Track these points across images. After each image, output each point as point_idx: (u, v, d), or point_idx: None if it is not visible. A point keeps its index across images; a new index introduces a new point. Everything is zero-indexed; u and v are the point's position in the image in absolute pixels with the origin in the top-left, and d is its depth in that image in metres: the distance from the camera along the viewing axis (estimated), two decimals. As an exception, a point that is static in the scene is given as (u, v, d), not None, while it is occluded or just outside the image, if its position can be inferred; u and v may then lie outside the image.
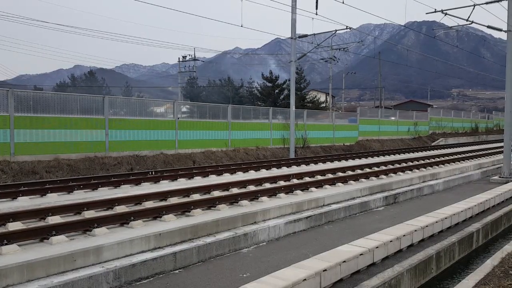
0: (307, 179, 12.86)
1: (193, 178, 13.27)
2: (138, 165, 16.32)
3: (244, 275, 6.14)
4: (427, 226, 8.13)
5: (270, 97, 41.63)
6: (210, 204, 8.76)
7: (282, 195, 10.22)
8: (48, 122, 14.93)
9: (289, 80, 25.76)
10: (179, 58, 55.89)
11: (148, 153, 17.67)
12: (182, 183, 12.14)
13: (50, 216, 7.48)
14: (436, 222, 8.47)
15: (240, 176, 13.99)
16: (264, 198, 9.68)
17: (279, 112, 26.18)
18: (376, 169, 15.76)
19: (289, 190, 10.69)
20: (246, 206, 8.92)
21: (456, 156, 21.36)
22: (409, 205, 11.74)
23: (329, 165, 17.59)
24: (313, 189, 11.20)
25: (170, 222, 7.46)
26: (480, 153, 24.43)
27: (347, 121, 32.05)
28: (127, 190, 10.81)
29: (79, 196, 10.01)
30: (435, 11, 18.63)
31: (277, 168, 16.46)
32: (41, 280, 5.24)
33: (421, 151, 26.99)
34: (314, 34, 25.60)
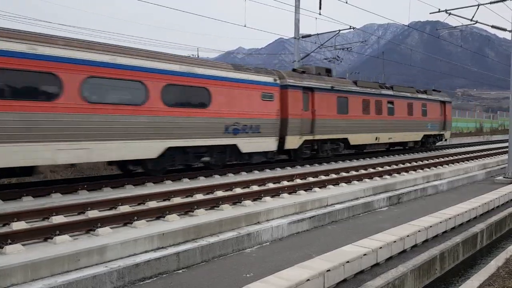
0: (311, 179, 12.84)
1: (196, 178, 13.27)
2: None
3: (248, 275, 6.13)
4: (431, 226, 8.10)
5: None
6: (213, 204, 8.77)
7: (285, 195, 10.21)
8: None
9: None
10: (182, 58, 55.87)
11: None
12: (185, 183, 12.15)
13: (54, 215, 7.50)
14: (440, 222, 8.45)
15: (243, 176, 13.98)
16: (268, 198, 9.67)
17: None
18: (379, 169, 15.72)
19: (292, 190, 10.67)
20: (249, 206, 8.91)
21: (460, 156, 21.27)
22: (413, 205, 11.71)
23: (332, 165, 17.55)
24: (316, 189, 11.18)
25: (174, 222, 7.46)
26: (485, 153, 24.32)
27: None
28: (130, 190, 10.83)
29: (83, 196, 10.03)
30: (439, 11, 18.60)
31: (281, 168, 16.44)
32: (45, 280, 5.26)
33: (425, 151, 26.90)
34: (318, 34, 25.58)
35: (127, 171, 13.28)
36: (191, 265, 6.57)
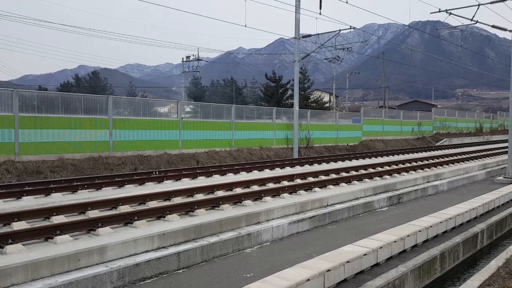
0: (311, 179, 12.84)
1: (196, 178, 13.28)
2: (142, 165, 16.36)
3: (248, 275, 6.13)
4: (431, 226, 8.10)
5: (273, 97, 41.63)
6: (213, 204, 8.77)
7: (285, 195, 10.21)
8: (53, 122, 14.99)
9: (293, 80, 25.76)
10: (182, 58, 56.13)
11: (152, 153, 17.70)
12: (185, 183, 12.15)
13: (55, 215, 7.51)
14: (440, 222, 8.45)
15: (243, 176, 13.98)
16: (268, 198, 9.67)
17: (282, 112, 26.19)
18: (380, 169, 15.71)
19: (292, 190, 10.67)
20: (249, 206, 8.91)
21: (460, 156, 21.27)
22: (413, 205, 11.71)
23: (332, 165, 17.56)
24: (316, 189, 11.18)
25: (174, 222, 7.46)
26: (485, 153, 24.33)
27: (351, 121, 32.01)
28: (131, 190, 10.84)
29: (83, 195, 10.03)
30: (439, 11, 18.59)
31: (281, 168, 16.44)
32: (46, 280, 5.26)
33: (425, 151, 26.90)
34: (318, 34, 25.56)
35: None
36: (191, 265, 6.57)
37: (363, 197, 11.35)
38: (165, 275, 6.15)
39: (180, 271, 6.36)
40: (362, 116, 32.21)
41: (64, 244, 6.04)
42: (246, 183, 11.34)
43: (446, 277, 7.39)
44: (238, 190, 10.64)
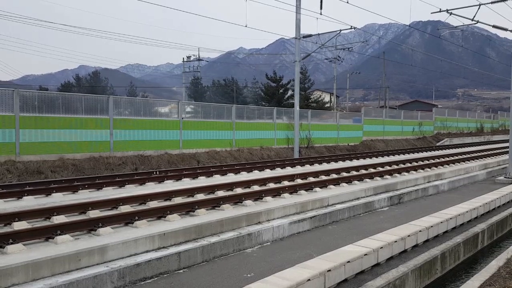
0: (312, 179, 12.83)
1: (197, 178, 13.28)
2: (142, 165, 16.36)
3: (249, 275, 6.13)
4: (432, 226, 8.10)
5: (274, 97, 41.63)
6: (214, 204, 8.77)
7: (286, 195, 10.20)
8: (53, 122, 15.00)
9: (293, 80, 25.75)
10: (183, 58, 56.25)
11: (153, 153, 17.70)
12: (186, 183, 12.16)
13: (55, 215, 7.51)
14: (441, 222, 8.44)
15: (244, 176, 13.98)
16: (268, 198, 9.67)
17: (283, 112, 26.18)
18: (380, 169, 15.70)
19: (293, 190, 10.67)
20: (250, 206, 8.91)
21: (461, 156, 21.25)
22: (414, 205, 11.70)
23: (333, 165, 17.56)
24: (317, 189, 11.18)
25: (175, 222, 7.46)
26: (486, 153, 24.30)
27: (352, 121, 32.00)
28: (131, 190, 10.84)
29: (84, 195, 10.04)
30: (440, 11, 18.59)
31: (281, 168, 16.44)
32: (46, 280, 5.26)
33: (426, 151, 26.88)
34: (319, 34, 25.55)
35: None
36: (192, 265, 6.57)
37: (364, 197, 11.34)
38: (165, 275, 6.15)
39: (181, 271, 6.36)
40: (363, 116, 32.20)
41: (65, 244, 6.04)
42: (246, 183, 11.33)
43: (446, 277, 7.38)
44: (239, 190, 10.63)
